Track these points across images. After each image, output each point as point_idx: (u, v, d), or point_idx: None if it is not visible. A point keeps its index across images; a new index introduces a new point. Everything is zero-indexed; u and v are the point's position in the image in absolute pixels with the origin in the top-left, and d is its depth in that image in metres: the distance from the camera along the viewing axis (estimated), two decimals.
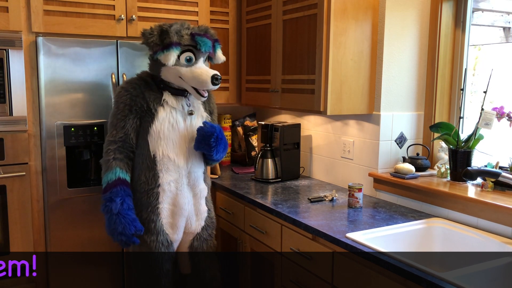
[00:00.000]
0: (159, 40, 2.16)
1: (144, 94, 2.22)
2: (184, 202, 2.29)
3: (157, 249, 2.26)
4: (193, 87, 2.22)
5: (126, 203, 2.14)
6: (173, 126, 2.23)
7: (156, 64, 2.23)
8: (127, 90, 2.22)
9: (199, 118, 2.35)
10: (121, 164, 2.20)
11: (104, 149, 2.24)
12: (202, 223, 2.40)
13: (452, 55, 2.53)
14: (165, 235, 2.28)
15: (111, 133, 2.23)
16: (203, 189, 2.39)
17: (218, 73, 2.20)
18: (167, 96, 2.25)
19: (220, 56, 2.32)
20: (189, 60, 2.21)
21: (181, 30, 2.18)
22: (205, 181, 2.41)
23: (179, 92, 2.28)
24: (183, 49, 2.19)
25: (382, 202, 2.45)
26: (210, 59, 2.36)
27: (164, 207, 2.26)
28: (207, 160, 2.37)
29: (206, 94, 2.25)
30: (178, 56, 2.19)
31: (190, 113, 2.30)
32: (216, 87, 2.21)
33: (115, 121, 2.22)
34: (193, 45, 2.20)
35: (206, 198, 2.42)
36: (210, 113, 2.43)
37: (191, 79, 2.19)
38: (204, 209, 2.41)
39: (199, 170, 2.35)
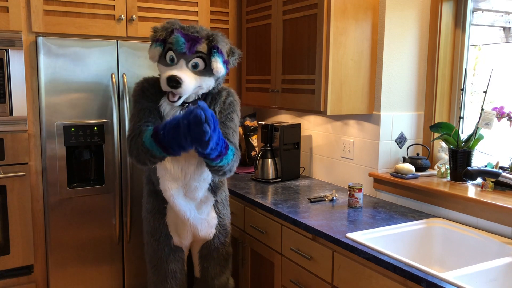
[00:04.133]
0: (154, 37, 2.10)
1: (155, 98, 2.14)
2: (184, 212, 2.17)
3: (160, 249, 2.26)
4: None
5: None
6: None
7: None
8: (143, 92, 2.15)
9: None
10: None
11: (128, 143, 2.09)
12: (213, 231, 2.31)
13: (452, 55, 2.53)
14: (169, 238, 2.26)
15: (135, 122, 2.10)
16: (206, 199, 2.25)
17: (177, 75, 1.98)
18: (163, 101, 2.12)
19: (216, 67, 2.04)
20: (172, 60, 2.06)
21: (169, 28, 2.07)
22: (212, 190, 2.27)
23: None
24: (167, 47, 2.06)
25: (382, 202, 2.45)
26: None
27: (169, 210, 2.25)
28: (208, 166, 2.07)
29: (174, 99, 2.04)
30: (165, 56, 2.09)
31: None
32: (176, 91, 1.99)
33: (135, 112, 2.12)
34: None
35: (214, 206, 2.30)
36: (221, 118, 2.22)
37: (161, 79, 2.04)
38: (213, 216, 2.30)
39: (200, 182, 2.17)
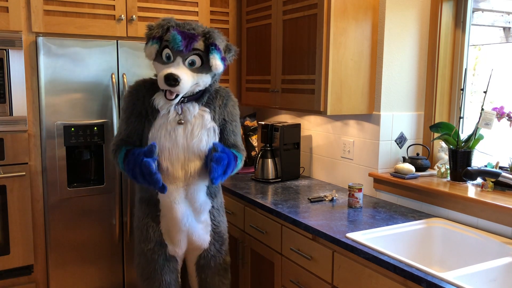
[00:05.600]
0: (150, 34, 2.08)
1: (144, 99, 2.11)
2: (182, 216, 2.13)
3: (153, 259, 2.16)
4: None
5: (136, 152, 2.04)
6: (170, 134, 2.07)
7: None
8: (131, 92, 2.15)
9: (202, 129, 2.12)
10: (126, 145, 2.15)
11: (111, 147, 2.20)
12: (208, 238, 2.25)
13: (452, 55, 2.53)
14: (164, 246, 2.18)
15: (118, 132, 2.20)
16: (205, 203, 2.20)
17: (175, 73, 1.95)
18: (158, 96, 2.08)
19: (215, 64, 2.05)
20: (168, 58, 2.04)
21: (165, 25, 2.05)
22: (210, 194, 2.22)
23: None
24: (164, 45, 2.03)
25: (382, 202, 2.45)
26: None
27: (163, 217, 2.16)
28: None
29: (171, 97, 2.01)
30: (161, 53, 2.05)
31: (179, 123, 2.08)
32: (174, 89, 1.97)
33: (120, 121, 2.21)
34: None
35: (210, 212, 2.24)
36: (225, 121, 2.22)
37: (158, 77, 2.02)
38: (207, 223, 2.24)
39: (199, 182, 2.14)
